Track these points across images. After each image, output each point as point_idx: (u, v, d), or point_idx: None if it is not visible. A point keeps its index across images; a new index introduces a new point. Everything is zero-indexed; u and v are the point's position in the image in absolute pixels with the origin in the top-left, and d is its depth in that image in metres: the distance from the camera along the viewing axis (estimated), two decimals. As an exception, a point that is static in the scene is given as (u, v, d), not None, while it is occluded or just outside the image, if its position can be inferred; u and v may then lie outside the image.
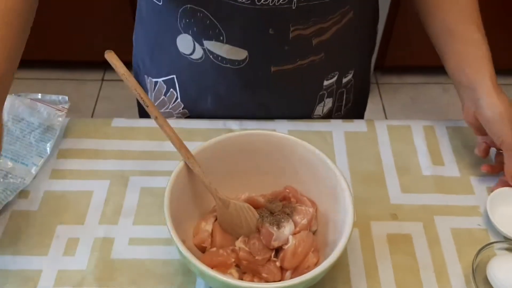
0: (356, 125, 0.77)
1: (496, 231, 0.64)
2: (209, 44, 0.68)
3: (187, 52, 0.71)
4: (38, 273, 0.60)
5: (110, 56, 0.55)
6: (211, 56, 0.70)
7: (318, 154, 0.59)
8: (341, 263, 0.61)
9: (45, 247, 0.62)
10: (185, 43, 0.70)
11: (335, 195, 0.58)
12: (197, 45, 0.69)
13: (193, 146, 0.59)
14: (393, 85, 2.09)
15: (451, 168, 0.72)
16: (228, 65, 0.70)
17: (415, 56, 1.97)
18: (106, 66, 2.13)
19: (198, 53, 0.71)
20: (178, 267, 0.61)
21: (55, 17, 1.84)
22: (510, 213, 0.65)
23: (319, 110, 0.80)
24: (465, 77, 0.67)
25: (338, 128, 0.76)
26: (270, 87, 0.74)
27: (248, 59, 0.69)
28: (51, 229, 0.64)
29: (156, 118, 0.57)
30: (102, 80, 2.12)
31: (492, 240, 0.63)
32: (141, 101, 0.56)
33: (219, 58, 0.69)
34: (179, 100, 0.79)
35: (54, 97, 0.73)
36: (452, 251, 0.63)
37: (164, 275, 0.60)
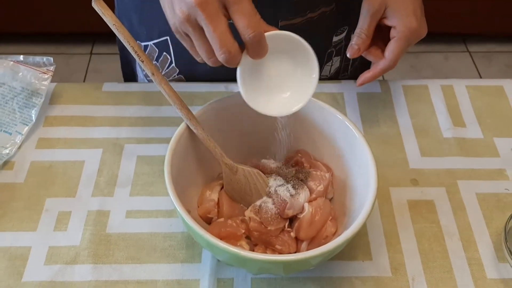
0: (369, 86, 0.71)
1: (526, 195, 0.59)
2: None
3: None
4: (27, 250, 0.54)
5: (99, 4, 0.48)
6: None
7: (334, 113, 0.54)
8: (359, 233, 0.56)
9: (34, 222, 0.56)
10: None
11: (354, 159, 0.53)
12: None
13: (194, 111, 0.53)
14: (392, 54, 2.03)
15: (474, 129, 0.67)
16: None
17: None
18: (95, 38, 2.04)
19: None
20: (181, 240, 0.55)
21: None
22: None
23: (326, 70, 0.74)
24: None
25: (350, 89, 0.70)
26: None
27: None
28: (40, 202, 0.58)
29: (152, 75, 0.50)
30: (91, 53, 2.03)
31: (522, 204, 0.59)
32: (135, 56, 0.49)
33: None
34: (173, 64, 0.73)
35: (38, 58, 0.66)
36: (479, 218, 0.58)
37: (166, 249, 0.55)
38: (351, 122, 0.52)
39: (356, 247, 0.55)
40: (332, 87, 0.71)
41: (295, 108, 0.50)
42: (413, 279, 0.53)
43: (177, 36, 0.48)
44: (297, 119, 0.56)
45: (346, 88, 0.71)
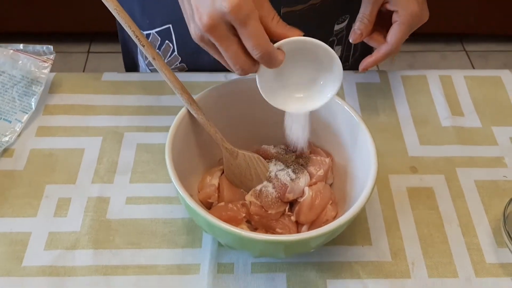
0: (368, 76, 0.72)
1: (524, 182, 0.60)
2: None
3: None
4: (27, 236, 0.54)
5: (100, -12, 0.49)
6: None
7: (333, 99, 0.54)
8: (359, 218, 0.56)
9: (34, 208, 0.56)
10: None
11: (354, 144, 0.53)
12: None
13: (195, 97, 0.53)
14: (390, 53, 2.04)
15: (472, 118, 0.67)
16: None
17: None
18: (92, 38, 2.04)
19: None
20: (182, 226, 0.55)
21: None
22: None
23: None
24: None
25: (350, 79, 0.71)
26: None
27: None
28: (40, 189, 0.58)
29: (154, 60, 0.50)
30: (88, 52, 2.03)
31: (520, 191, 0.59)
32: (136, 40, 0.50)
33: None
34: (175, 53, 0.73)
35: (38, 47, 0.66)
36: (478, 204, 0.58)
37: (166, 234, 0.55)
38: (351, 106, 0.53)
39: (356, 233, 0.55)
40: (331, 77, 0.71)
41: (312, 106, 0.50)
42: (413, 263, 0.53)
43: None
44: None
45: (345, 79, 0.71)
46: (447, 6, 1.84)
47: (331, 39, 0.72)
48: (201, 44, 0.47)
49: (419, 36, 2.06)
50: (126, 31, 0.83)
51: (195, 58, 0.72)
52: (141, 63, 0.80)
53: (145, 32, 0.72)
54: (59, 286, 0.51)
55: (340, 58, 0.76)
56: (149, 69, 0.78)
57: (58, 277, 0.51)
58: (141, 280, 0.51)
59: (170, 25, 0.70)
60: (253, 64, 0.46)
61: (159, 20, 0.70)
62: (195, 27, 0.45)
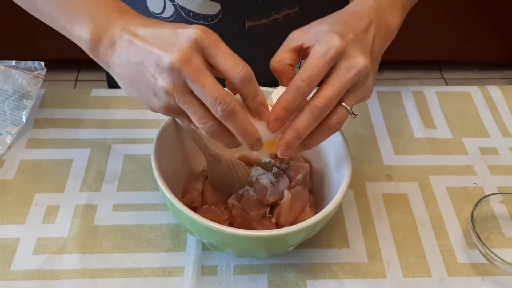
0: (345, 92, 0.75)
1: (493, 188, 0.63)
2: None
3: (158, 10, 0.69)
4: (15, 241, 0.56)
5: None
6: (182, 13, 0.67)
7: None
8: (337, 222, 0.59)
9: (23, 215, 0.58)
10: (154, 0, 0.68)
11: (332, 152, 0.56)
12: (167, 1, 0.67)
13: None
14: (371, 80, 2.10)
15: (443, 130, 0.71)
16: (201, 21, 0.67)
17: (394, 52, 1.99)
18: (80, 66, 2.08)
19: (169, 11, 0.68)
20: (167, 231, 0.57)
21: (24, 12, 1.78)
22: None
23: (295, 71, 0.78)
24: None
25: (327, 94, 0.74)
26: (246, 44, 0.71)
27: (221, 13, 0.66)
28: (29, 197, 0.60)
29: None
30: (76, 80, 2.06)
31: (489, 197, 0.62)
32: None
33: (191, 14, 0.67)
34: None
35: (30, 63, 0.69)
36: (450, 208, 0.61)
37: (152, 239, 0.57)
38: (327, 114, 0.56)
39: (334, 236, 0.58)
40: (310, 93, 0.74)
41: None
42: (388, 264, 0.56)
43: (170, 115, 0.46)
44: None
45: (323, 94, 0.75)
46: (425, 35, 1.92)
47: None
48: (170, 100, 0.42)
49: (398, 64, 2.13)
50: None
51: None
52: None
53: None
54: (46, 289, 0.52)
55: None
56: None
57: (46, 280, 0.53)
58: (127, 282, 0.53)
59: None
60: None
61: None
62: (164, 73, 0.41)
